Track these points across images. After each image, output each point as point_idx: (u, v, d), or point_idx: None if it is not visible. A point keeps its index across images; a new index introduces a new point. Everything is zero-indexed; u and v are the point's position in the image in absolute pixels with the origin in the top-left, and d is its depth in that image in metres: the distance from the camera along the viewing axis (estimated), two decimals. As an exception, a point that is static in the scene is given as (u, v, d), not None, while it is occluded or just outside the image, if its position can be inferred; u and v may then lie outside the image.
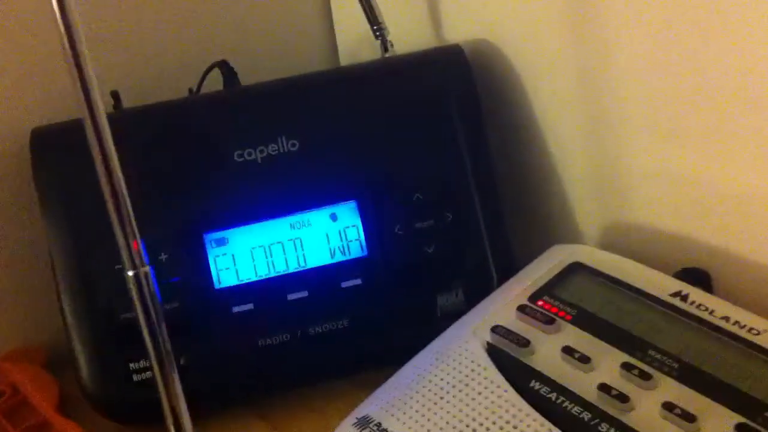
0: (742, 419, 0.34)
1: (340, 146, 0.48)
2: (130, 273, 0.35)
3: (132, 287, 0.35)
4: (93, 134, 0.35)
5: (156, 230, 0.46)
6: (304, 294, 0.47)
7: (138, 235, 0.36)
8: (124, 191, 0.36)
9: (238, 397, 0.48)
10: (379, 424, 0.40)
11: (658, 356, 0.38)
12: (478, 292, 0.46)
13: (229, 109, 0.49)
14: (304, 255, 0.47)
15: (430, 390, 0.40)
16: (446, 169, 0.48)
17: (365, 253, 0.47)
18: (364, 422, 0.41)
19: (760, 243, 0.42)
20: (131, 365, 0.46)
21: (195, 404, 0.46)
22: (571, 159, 0.51)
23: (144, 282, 0.35)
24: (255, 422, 0.48)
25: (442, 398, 0.40)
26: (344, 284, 0.47)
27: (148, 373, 0.46)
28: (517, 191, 0.54)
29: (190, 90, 0.56)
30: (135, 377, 0.46)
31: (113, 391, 0.47)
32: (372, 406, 0.41)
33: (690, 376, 0.37)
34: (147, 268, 0.35)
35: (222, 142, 0.48)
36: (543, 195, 0.53)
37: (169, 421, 0.34)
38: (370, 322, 0.47)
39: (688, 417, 0.35)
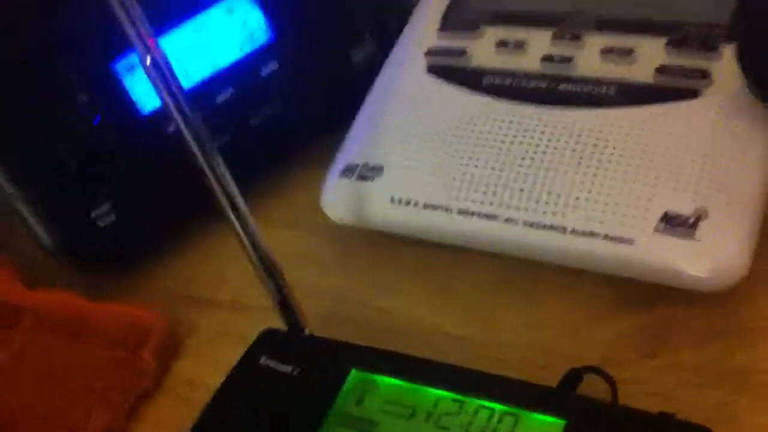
0: (668, 37, 0.42)
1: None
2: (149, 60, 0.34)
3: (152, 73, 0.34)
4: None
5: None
6: (230, 91, 0.48)
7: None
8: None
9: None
10: (366, 165, 0.44)
11: (579, 20, 0.44)
12: (388, 34, 0.49)
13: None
14: (217, 55, 0.48)
15: (396, 122, 0.45)
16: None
17: (271, 33, 0.49)
18: (350, 169, 0.44)
19: None
20: (93, 213, 0.46)
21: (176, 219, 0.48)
22: None
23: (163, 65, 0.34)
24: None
25: (410, 123, 0.44)
26: (263, 71, 0.49)
27: (112, 216, 0.47)
28: None
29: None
30: (100, 223, 0.46)
31: (82, 242, 0.47)
32: (349, 154, 0.45)
33: (613, 24, 0.43)
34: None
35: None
36: None
37: (224, 202, 0.36)
38: (299, 95, 0.49)
39: (625, 52, 0.42)
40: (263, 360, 0.37)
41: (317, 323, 0.39)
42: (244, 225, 0.36)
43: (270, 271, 0.37)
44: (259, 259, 0.37)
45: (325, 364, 0.36)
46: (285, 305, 0.38)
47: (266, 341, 0.38)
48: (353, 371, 0.35)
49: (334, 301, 0.43)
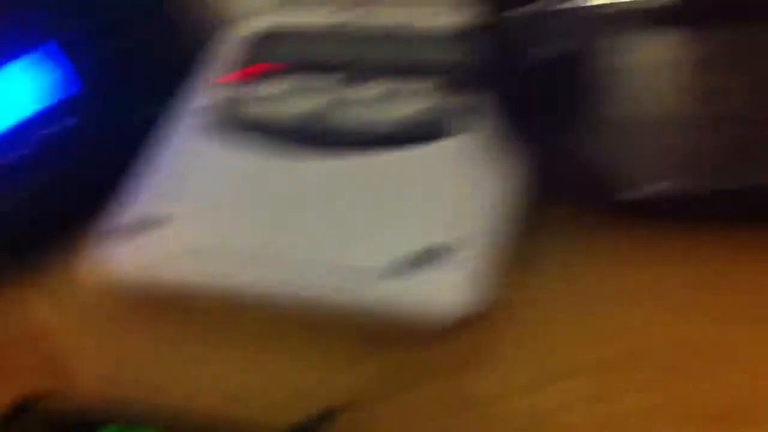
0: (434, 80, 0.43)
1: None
2: None
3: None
4: None
5: None
6: (24, 151, 0.48)
7: None
8: None
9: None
10: (143, 220, 0.43)
11: (357, 66, 0.45)
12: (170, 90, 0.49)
13: None
14: (10, 111, 0.47)
15: (173, 175, 0.45)
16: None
17: (77, 85, 0.48)
18: (127, 225, 0.43)
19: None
20: None
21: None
22: None
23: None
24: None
25: (187, 175, 0.44)
26: (52, 130, 0.48)
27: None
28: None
29: None
30: None
31: None
32: (127, 210, 0.44)
33: (387, 69, 0.45)
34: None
35: None
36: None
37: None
38: (89, 155, 0.49)
39: (395, 95, 0.44)
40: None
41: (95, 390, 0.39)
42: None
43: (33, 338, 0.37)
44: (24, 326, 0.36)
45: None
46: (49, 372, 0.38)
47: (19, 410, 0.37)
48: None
49: (111, 368, 0.42)
